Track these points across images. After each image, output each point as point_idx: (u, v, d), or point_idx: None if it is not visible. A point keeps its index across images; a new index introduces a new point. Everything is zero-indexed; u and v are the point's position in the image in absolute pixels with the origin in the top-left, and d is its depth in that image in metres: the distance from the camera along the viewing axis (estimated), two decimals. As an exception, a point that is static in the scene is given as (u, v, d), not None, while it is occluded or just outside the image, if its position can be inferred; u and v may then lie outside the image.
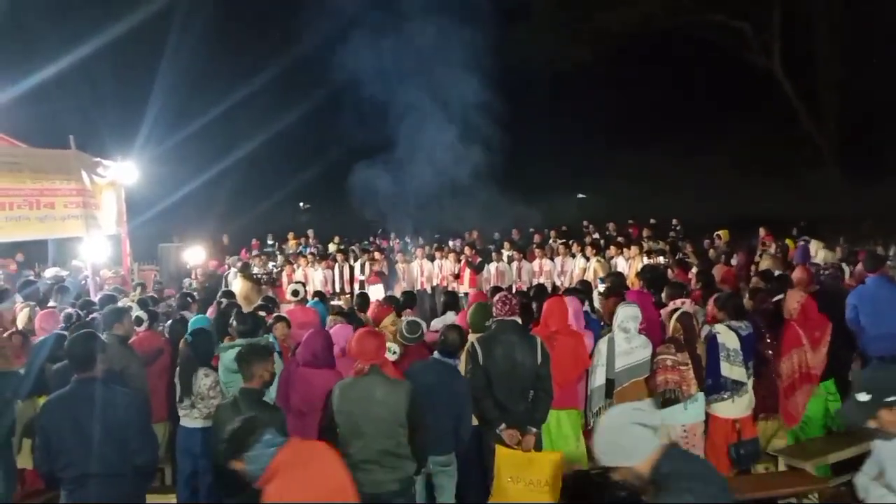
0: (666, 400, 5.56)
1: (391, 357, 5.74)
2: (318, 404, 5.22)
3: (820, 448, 6.12)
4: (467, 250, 15.04)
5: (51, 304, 8.05)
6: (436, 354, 5.12)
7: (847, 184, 23.32)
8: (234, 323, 6.38)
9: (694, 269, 9.92)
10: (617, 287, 7.58)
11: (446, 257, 14.61)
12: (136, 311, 7.19)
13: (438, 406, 4.70)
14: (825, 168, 25.16)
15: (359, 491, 4.33)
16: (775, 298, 6.58)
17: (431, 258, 14.79)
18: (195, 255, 13.16)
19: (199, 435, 5.35)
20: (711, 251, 14.16)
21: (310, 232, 19.46)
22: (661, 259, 12.28)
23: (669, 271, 10.16)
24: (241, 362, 4.40)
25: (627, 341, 5.68)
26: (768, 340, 6.18)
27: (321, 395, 5.26)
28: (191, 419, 5.43)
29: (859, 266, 8.49)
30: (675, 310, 5.97)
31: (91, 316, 7.12)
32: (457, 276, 14.02)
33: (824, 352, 6.34)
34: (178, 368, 5.61)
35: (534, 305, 7.50)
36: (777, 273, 8.31)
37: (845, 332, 6.96)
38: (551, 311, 5.82)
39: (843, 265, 9.74)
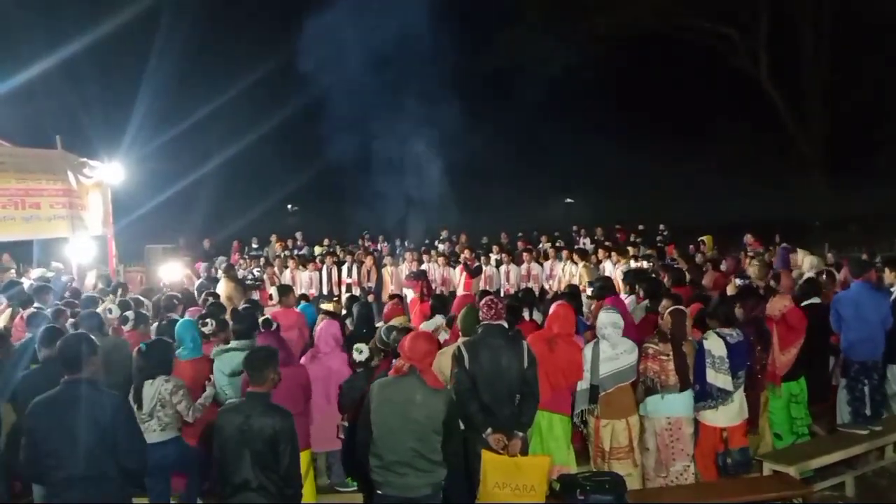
0: (646, 388, 5.65)
1: (358, 356, 5.75)
2: (292, 400, 5.20)
3: (804, 453, 6.17)
4: (467, 253, 15.04)
5: (35, 305, 7.96)
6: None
7: (833, 189, 23.53)
8: (232, 323, 6.37)
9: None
10: (607, 291, 7.66)
11: (435, 261, 14.58)
12: (122, 311, 7.22)
13: None
14: (811, 173, 25.36)
15: (388, 493, 4.36)
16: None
17: (420, 262, 14.75)
18: (171, 272, 12.72)
19: (160, 450, 5.19)
20: (699, 256, 14.22)
21: (298, 234, 19.39)
22: (644, 263, 12.33)
23: (655, 276, 10.20)
24: (251, 367, 4.32)
25: (612, 347, 5.72)
26: (757, 353, 6.24)
27: (295, 391, 5.36)
28: (149, 433, 5.14)
29: (843, 272, 8.60)
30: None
31: (72, 321, 7.10)
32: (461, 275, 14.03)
33: (790, 356, 6.43)
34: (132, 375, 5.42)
35: (525, 310, 7.59)
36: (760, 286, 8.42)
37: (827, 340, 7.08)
38: (556, 315, 5.87)
39: (834, 271, 9.83)
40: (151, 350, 5.40)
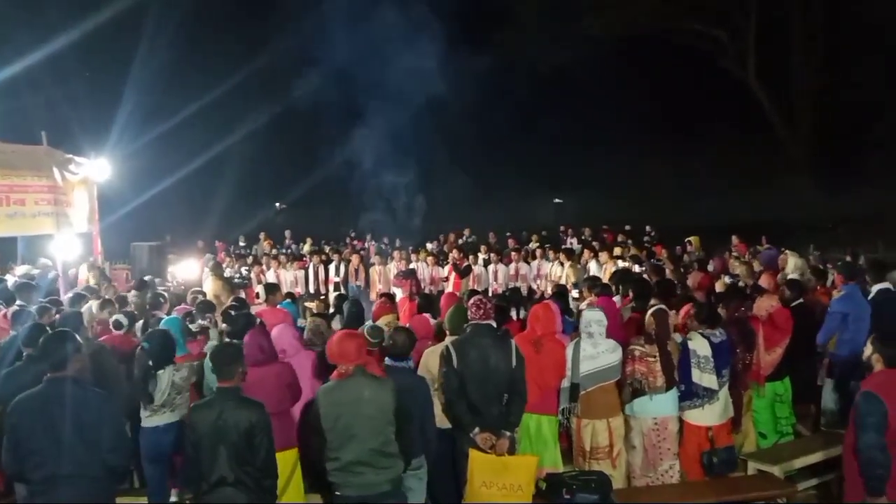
0: (634, 390, 5.67)
1: None
2: (279, 398, 5.21)
3: (788, 452, 6.21)
4: (455, 253, 15.03)
5: (18, 302, 7.89)
6: (387, 360, 5.08)
7: (820, 191, 23.69)
8: (224, 324, 6.36)
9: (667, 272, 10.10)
10: (605, 291, 7.78)
11: (423, 260, 14.57)
12: (102, 310, 7.18)
13: (402, 410, 4.65)
14: (799, 175, 25.51)
15: (347, 494, 4.36)
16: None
17: (409, 260, 14.74)
18: (188, 270, 12.48)
19: (169, 433, 5.38)
20: (686, 257, 14.30)
21: (287, 233, 19.35)
22: (636, 267, 12.35)
23: (644, 276, 10.24)
24: (218, 363, 4.34)
25: (593, 346, 5.72)
26: (739, 352, 6.29)
27: (282, 389, 5.30)
28: (158, 416, 5.41)
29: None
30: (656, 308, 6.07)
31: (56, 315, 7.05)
32: (444, 279, 14.04)
33: (776, 356, 6.47)
34: (134, 376, 5.52)
35: (512, 310, 7.61)
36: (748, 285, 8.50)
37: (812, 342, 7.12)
38: (537, 316, 5.88)
39: (828, 268, 9.95)
40: (154, 345, 5.48)
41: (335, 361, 4.53)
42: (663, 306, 6.07)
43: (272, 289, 8.58)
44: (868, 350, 4.41)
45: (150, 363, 5.38)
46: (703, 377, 5.73)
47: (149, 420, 5.43)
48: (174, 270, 13.02)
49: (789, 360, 6.59)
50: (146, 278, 10.66)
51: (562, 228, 19.88)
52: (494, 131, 26.46)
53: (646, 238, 17.95)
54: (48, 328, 5.95)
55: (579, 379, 5.66)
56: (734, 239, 14.85)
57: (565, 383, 5.77)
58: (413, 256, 14.79)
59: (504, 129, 27.05)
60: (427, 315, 7.14)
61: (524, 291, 13.39)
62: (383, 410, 4.38)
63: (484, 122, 25.00)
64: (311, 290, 14.17)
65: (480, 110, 24.46)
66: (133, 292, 9.17)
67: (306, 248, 17.84)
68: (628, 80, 25.52)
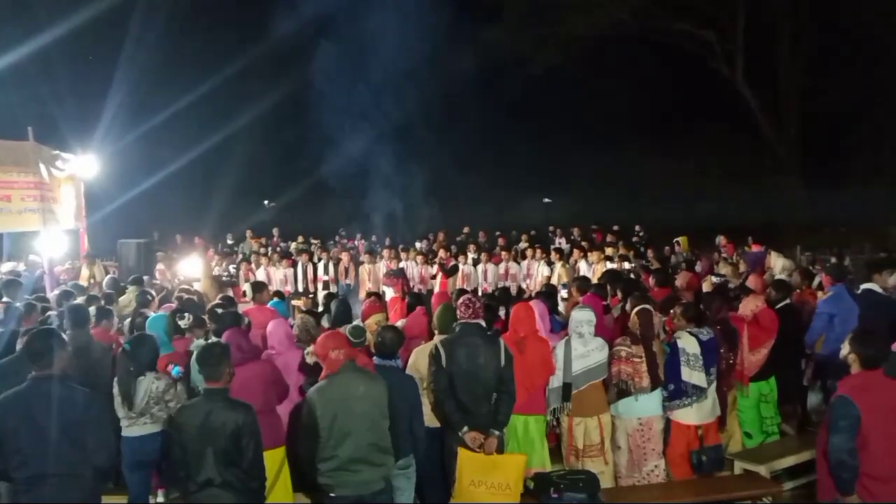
0: (620, 391, 5.70)
1: (308, 359, 5.67)
2: (263, 397, 5.20)
3: (774, 452, 6.25)
4: (442, 253, 15.02)
5: (4, 299, 7.83)
6: (375, 359, 5.08)
7: (807, 192, 23.82)
8: (210, 322, 6.31)
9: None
10: (600, 290, 7.83)
11: (413, 259, 14.56)
12: (88, 307, 7.13)
13: (391, 409, 4.67)
14: (786, 176, 25.66)
15: (341, 495, 4.34)
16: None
17: (398, 259, 14.71)
18: (191, 268, 12.34)
19: (150, 442, 5.27)
20: (673, 257, 14.36)
21: (275, 230, 19.28)
22: (625, 264, 12.41)
23: (633, 276, 10.29)
24: (205, 363, 4.28)
25: (583, 344, 5.75)
26: (723, 352, 6.32)
27: (263, 387, 5.26)
28: (139, 427, 5.26)
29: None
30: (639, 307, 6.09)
31: (47, 313, 6.99)
32: (433, 277, 14.04)
33: (760, 356, 6.51)
34: (115, 378, 5.35)
35: (501, 309, 7.62)
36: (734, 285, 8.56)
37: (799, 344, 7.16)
38: (518, 316, 5.88)
39: (816, 269, 10.03)
40: (137, 348, 5.32)
41: (322, 358, 4.54)
42: (647, 306, 6.10)
43: (259, 287, 8.53)
44: (845, 349, 4.41)
45: (132, 368, 5.24)
46: (693, 375, 5.75)
47: (129, 430, 5.28)
48: (177, 268, 12.93)
49: (775, 360, 6.62)
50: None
51: (551, 228, 19.92)
52: (483, 132, 26.47)
53: (635, 238, 18.00)
54: (38, 324, 5.92)
55: (572, 378, 5.69)
56: (721, 239, 14.91)
57: (555, 383, 5.78)
58: (403, 255, 14.76)
59: (492, 129, 27.09)
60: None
61: (514, 291, 13.41)
62: (378, 405, 4.41)
63: (472, 121, 25.01)
64: (300, 288, 14.12)
65: (468, 110, 24.50)
66: (131, 287, 9.11)
67: (294, 245, 17.78)
68: (619, 81, 25.59)
